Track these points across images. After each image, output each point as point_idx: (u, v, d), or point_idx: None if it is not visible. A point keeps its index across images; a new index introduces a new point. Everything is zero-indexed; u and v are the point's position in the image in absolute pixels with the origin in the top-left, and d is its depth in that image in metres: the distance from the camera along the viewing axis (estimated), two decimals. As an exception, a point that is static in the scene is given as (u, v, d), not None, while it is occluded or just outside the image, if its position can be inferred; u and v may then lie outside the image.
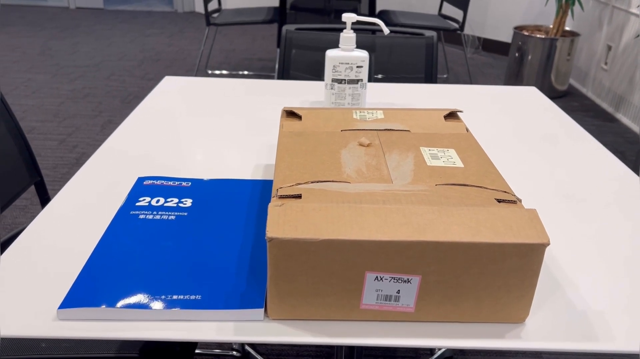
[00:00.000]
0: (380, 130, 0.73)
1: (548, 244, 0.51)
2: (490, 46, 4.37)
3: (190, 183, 0.77)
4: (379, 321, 0.55)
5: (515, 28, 3.55)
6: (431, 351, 1.47)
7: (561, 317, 0.57)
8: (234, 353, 1.43)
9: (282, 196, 0.56)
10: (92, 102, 3.11)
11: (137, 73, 3.63)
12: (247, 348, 1.43)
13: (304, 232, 0.50)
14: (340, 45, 1.03)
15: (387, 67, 1.53)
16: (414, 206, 0.54)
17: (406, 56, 1.53)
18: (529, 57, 3.41)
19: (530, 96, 1.25)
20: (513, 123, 1.09)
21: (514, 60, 3.52)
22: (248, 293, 0.56)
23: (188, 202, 0.72)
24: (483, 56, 4.27)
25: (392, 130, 0.74)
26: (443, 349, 1.45)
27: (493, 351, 1.47)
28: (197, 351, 1.44)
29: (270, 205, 0.53)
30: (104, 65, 3.77)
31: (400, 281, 0.52)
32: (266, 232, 0.50)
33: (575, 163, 0.92)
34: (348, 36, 1.02)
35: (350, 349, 0.99)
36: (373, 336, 0.53)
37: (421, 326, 0.55)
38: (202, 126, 1.03)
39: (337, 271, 0.52)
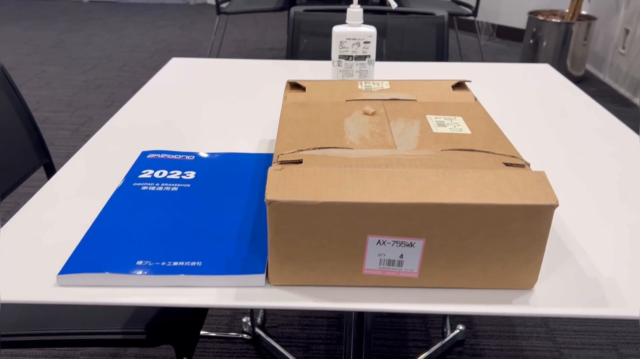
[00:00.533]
0: (385, 99, 0.72)
1: (557, 205, 0.49)
2: (504, 33, 4.31)
3: (193, 157, 0.76)
4: (382, 286, 0.54)
5: (530, 13, 3.49)
6: (442, 334, 1.45)
7: (571, 283, 0.55)
8: (245, 336, 1.42)
9: (282, 162, 0.55)
10: (105, 93, 3.13)
11: (148, 64, 3.64)
12: (257, 330, 1.43)
13: (304, 195, 0.49)
14: (347, 21, 1.01)
15: (397, 50, 1.51)
16: (417, 170, 0.53)
17: (417, 37, 1.51)
18: (544, 43, 3.36)
19: (543, 73, 1.22)
20: (524, 98, 1.06)
21: (528, 47, 3.46)
22: (249, 260, 0.55)
23: (191, 174, 0.71)
24: (497, 43, 4.21)
25: (398, 99, 0.72)
26: (456, 332, 1.43)
27: (501, 317, 1.45)
28: (208, 333, 1.44)
29: (270, 169, 0.53)
30: (116, 57, 3.79)
31: (403, 245, 0.51)
32: (265, 195, 0.49)
33: (587, 135, 0.90)
34: (355, 11, 1.00)
35: (359, 324, 0.99)
36: (376, 301, 0.52)
37: (426, 292, 0.54)
38: (208, 104, 1.02)
39: (339, 235, 0.51)
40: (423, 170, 0.52)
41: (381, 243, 0.51)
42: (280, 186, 0.50)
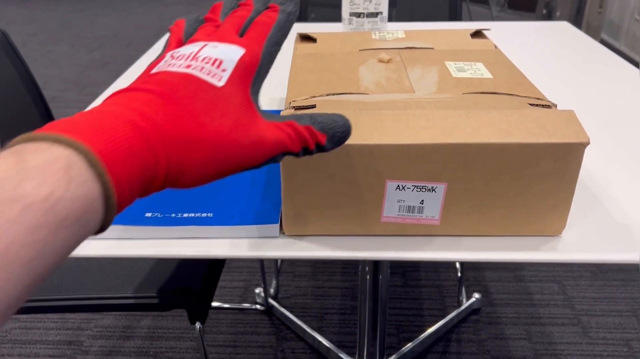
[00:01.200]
0: (401, 48, 0.69)
1: (587, 143, 0.46)
2: (516, 3, 4.21)
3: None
4: (401, 235, 0.52)
5: (544, -19, 3.40)
6: (458, 302, 1.43)
7: (600, 229, 0.52)
8: (258, 306, 1.42)
9: (295, 108, 0.53)
10: (112, 71, 3.11)
11: (155, 42, 3.61)
12: (270, 301, 1.42)
13: (319, 137, 0.47)
14: (357, -24, 0.98)
15: (409, 11, 1.47)
16: (438, 111, 0.50)
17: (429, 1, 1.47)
18: (557, 13, 3.27)
19: (562, 30, 1.18)
20: (544, 52, 1.03)
21: (541, 17, 3.38)
22: (263, 210, 0.53)
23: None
24: (509, 14, 4.12)
25: (415, 48, 0.69)
26: (472, 300, 1.41)
27: (518, 284, 1.43)
28: (221, 305, 1.43)
29: (282, 113, 0.50)
30: (123, 35, 3.76)
31: (424, 189, 0.49)
32: (278, 137, 0.47)
33: (612, 86, 0.86)
34: (366, -35, 0.96)
35: (374, 293, 0.97)
36: (395, 249, 0.50)
37: (447, 240, 0.51)
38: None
39: (355, 180, 0.48)
40: (444, 111, 0.50)
41: (401, 188, 0.49)
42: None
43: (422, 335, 1.32)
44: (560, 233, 0.51)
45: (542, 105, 0.52)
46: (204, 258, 0.52)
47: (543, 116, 0.49)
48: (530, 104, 0.52)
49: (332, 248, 0.50)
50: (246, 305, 1.43)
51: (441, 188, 0.49)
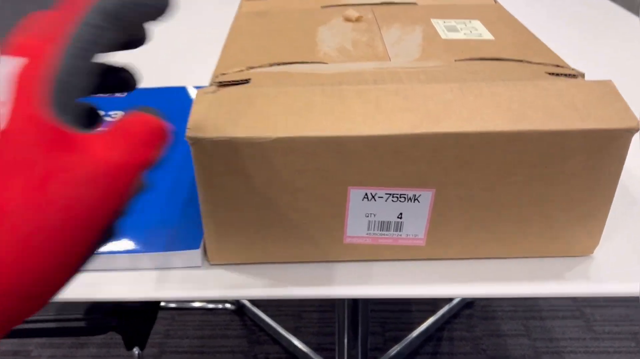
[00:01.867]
0: (375, 3, 0.54)
1: (637, 129, 0.32)
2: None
3: (125, 93, 0.59)
4: (373, 261, 0.38)
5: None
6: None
7: (646, 246, 0.39)
8: (228, 306, 1.28)
9: (222, 84, 0.38)
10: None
11: None
12: (241, 300, 1.28)
13: (247, 128, 0.32)
14: None
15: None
16: (422, 86, 0.35)
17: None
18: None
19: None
20: (557, 10, 0.88)
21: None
22: (180, 231, 0.39)
23: (119, 116, 0.54)
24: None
25: (392, 3, 0.54)
26: (464, 294, 1.29)
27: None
28: (191, 304, 1.29)
29: (198, 93, 0.35)
30: None
31: (402, 199, 0.34)
32: (186, 130, 0.32)
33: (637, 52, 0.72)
34: None
35: (355, 302, 0.83)
36: (363, 282, 0.36)
37: (437, 266, 0.37)
38: (155, 34, 0.84)
39: (305, 188, 0.34)
40: (431, 86, 0.35)
41: (369, 197, 0.34)
42: (210, 117, 0.33)
43: (411, 334, 1.20)
44: (592, 253, 0.37)
45: (566, 75, 0.38)
46: (90, 301, 0.38)
47: (571, 89, 0.35)
48: (549, 73, 0.38)
49: (275, 282, 0.36)
50: (212, 305, 1.29)
51: (427, 196, 0.34)
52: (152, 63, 0.71)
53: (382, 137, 0.32)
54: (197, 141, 0.32)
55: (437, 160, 0.33)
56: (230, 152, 0.32)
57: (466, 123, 0.32)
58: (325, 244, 0.36)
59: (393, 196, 0.34)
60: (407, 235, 0.36)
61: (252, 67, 0.40)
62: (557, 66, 0.40)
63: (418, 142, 0.32)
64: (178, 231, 0.38)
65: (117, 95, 0.58)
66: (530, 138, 0.32)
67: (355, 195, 0.34)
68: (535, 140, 0.32)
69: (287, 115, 0.33)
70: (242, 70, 0.40)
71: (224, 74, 0.39)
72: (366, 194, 0.34)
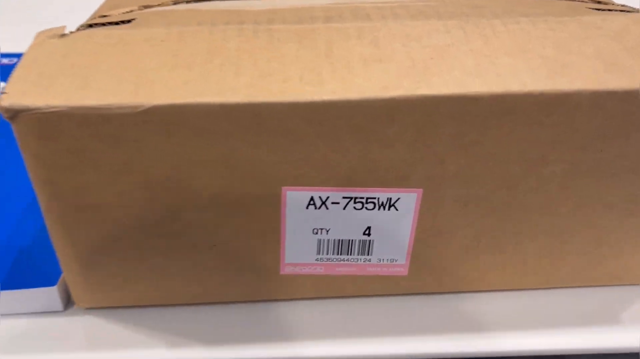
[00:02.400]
0: None
1: None
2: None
3: None
4: (329, 298, 0.25)
5: None
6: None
7: None
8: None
9: (92, 25, 0.24)
10: None
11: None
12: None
13: (103, 92, 0.19)
14: None
15: None
16: (401, 24, 0.22)
17: None
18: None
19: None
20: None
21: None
22: (34, 259, 0.25)
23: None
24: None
25: None
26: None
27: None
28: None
29: (35, 38, 0.22)
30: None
31: (371, 205, 0.22)
32: (1, 97, 0.19)
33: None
34: None
35: None
36: (312, 336, 0.23)
37: (427, 304, 0.25)
38: None
39: (209, 188, 0.21)
40: (414, 25, 0.22)
41: (318, 203, 0.21)
42: (46, 75, 0.20)
43: None
44: (654, 280, 0.25)
45: (618, 10, 0.25)
46: None
47: (629, 29, 0.22)
48: (592, 8, 0.25)
49: (171, 338, 0.23)
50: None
51: (409, 200, 0.22)
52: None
53: (333, 105, 0.19)
54: (17, 114, 0.19)
55: (426, 141, 0.20)
56: (77, 131, 0.19)
57: (473, 81, 0.19)
58: (251, 277, 0.23)
59: (355, 202, 0.21)
60: (380, 260, 0.23)
61: (148, 6, 0.27)
62: (599, 2, 0.27)
63: (394, 113, 0.19)
64: (29, 260, 0.25)
65: None
66: (577, 103, 0.20)
67: (293, 199, 0.21)
68: (586, 107, 0.20)
69: (174, 71, 0.20)
70: (131, 11, 0.26)
71: (103, 16, 0.26)
72: (312, 199, 0.21)
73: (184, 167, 0.20)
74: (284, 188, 0.21)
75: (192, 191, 0.21)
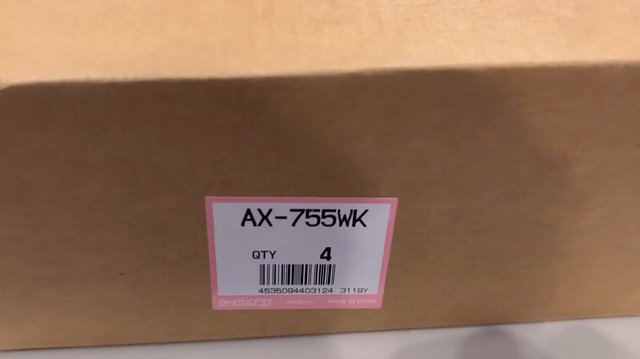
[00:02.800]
0: None
1: None
2: None
3: None
4: (278, 338, 0.20)
5: None
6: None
7: None
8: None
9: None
10: None
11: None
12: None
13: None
14: None
15: None
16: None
17: None
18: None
19: None
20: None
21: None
22: None
23: None
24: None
25: None
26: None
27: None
28: None
29: None
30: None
31: (329, 219, 0.16)
32: None
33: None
34: None
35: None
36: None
37: (406, 344, 0.19)
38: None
39: (104, 198, 0.15)
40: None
41: (257, 219, 0.16)
42: None
43: None
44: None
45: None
46: None
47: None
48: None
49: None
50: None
51: (381, 212, 0.16)
52: None
53: (270, 82, 0.13)
54: None
55: (401, 134, 0.15)
56: None
57: (465, 51, 0.14)
58: (174, 313, 0.18)
59: (308, 216, 0.16)
60: (345, 290, 0.18)
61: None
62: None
63: (356, 94, 0.14)
64: None
65: None
66: (608, 81, 0.14)
67: (223, 213, 0.16)
68: (620, 86, 0.14)
69: (51, 39, 0.14)
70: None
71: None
72: (248, 212, 0.16)
73: (64, 169, 0.14)
74: (207, 198, 0.15)
75: (82, 203, 0.15)
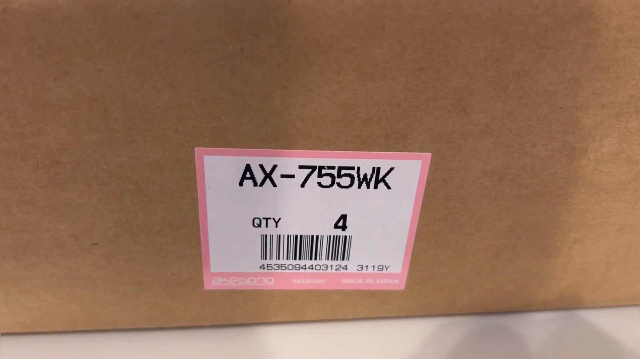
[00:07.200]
0: None
1: None
2: None
3: None
4: (285, 324, 0.17)
5: None
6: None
7: None
8: None
9: None
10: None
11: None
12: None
13: None
14: None
15: None
16: None
17: None
18: None
19: None
20: None
21: None
22: None
23: None
24: None
25: None
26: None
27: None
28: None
29: None
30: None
31: (347, 179, 0.14)
32: None
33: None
34: None
35: None
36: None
37: (436, 334, 0.17)
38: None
39: (68, 149, 0.13)
40: None
41: (258, 177, 0.14)
42: None
43: None
44: None
45: None
46: None
47: None
48: None
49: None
50: None
51: (409, 171, 0.14)
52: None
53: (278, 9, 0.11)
54: None
55: (439, 70, 0.12)
56: None
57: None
58: (157, 294, 0.16)
59: (321, 174, 0.14)
60: (363, 267, 0.16)
61: None
62: None
63: (381, 16, 0.11)
64: None
65: None
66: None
67: (216, 169, 0.13)
68: None
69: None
70: None
71: None
72: (248, 169, 0.13)
73: (19, 110, 0.12)
74: (197, 149, 0.13)
75: (43, 154, 0.13)
